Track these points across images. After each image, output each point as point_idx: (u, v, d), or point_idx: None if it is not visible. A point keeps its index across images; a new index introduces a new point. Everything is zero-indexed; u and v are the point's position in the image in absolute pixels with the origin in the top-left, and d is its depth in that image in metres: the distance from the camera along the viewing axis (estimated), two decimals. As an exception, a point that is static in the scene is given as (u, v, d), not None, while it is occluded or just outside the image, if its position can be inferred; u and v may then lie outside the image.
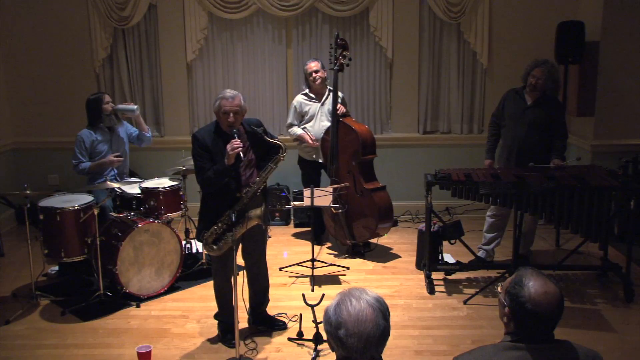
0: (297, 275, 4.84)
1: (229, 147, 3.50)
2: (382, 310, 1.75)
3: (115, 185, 4.60)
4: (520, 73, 4.74)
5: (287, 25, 6.12)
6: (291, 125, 5.44)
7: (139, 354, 3.48)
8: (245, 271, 3.97)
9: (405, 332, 3.92)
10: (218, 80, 6.20)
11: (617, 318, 4.08)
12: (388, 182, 5.36)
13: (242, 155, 3.51)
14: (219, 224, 3.62)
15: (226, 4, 5.94)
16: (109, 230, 4.39)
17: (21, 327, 4.07)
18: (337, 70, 5.04)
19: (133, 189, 4.78)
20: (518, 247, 4.39)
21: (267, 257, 4.00)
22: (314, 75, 5.23)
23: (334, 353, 1.81)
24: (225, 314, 3.80)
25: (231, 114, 3.54)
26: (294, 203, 5.02)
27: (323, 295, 3.75)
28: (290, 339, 3.85)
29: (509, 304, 1.91)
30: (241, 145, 3.51)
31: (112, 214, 4.61)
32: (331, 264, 4.99)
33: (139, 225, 4.32)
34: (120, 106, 4.97)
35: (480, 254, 4.89)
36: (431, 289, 4.50)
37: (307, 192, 4.57)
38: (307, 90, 5.40)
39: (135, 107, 4.95)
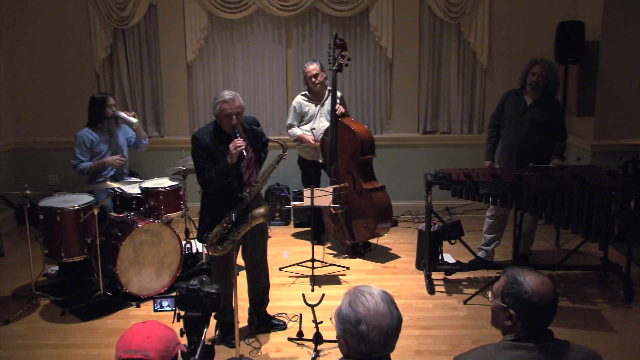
0: (297, 275, 4.84)
1: (231, 146, 3.51)
2: (391, 301, 1.81)
3: (115, 185, 4.60)
4: (520, 73, 4.74)
5: (287, 25, 6.12)
6: (291, 126, 5.44)
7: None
8: (245, 271, 3.97)
9: (405, 332, 3.86)
10: (218, 80, 6.20)
11: (617, 318, 4.08)
12: (388, 182, 5.37)
13: (244, 153, 3.52)
14: (224, 224, 3.61)
15: (226, 4, 5.94)
16: (109, 230, 4.39)
17: (21, 327, 4.07)
18: (336, 70, 5.04)
19: (133, 189, 4.79)
20: (518, 247, 4.39)
21: (267, 257, 4.00)
22: (313, 80, 5.24)
23: (334, 352, 1.81)
24: (225, 314, 3.80)
25: (233, 116, 3.55)
26: (294, 203, 5.02)
27: (323, 295, 3.75)
28: (290, 339, 3.85)
29: (511, 305, 1.91)
30: (244, 144, 3.52)
31: (112, 214, 4.61)
32: (331, 264, 4.99)
33: (139, 225, 4.32)
34: (121, 114, 4.95)
35: (480, 254, 4.89)
36: (431, 289, 4.50)
37: (307, 192, 4.57)
38: (306, 91, 5.40)
39: (135, 120, 4.98)
